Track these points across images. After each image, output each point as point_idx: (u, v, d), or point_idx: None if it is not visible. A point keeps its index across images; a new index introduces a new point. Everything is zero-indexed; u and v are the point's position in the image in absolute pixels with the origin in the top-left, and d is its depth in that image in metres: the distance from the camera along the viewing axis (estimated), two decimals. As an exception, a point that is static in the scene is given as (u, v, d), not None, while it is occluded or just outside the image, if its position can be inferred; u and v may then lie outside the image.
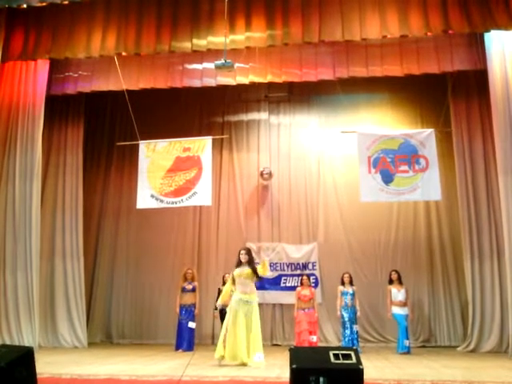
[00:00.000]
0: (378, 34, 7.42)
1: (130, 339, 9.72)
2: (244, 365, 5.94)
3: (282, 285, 9.63)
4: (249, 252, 6.48)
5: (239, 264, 6.38)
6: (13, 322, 7.81)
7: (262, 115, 10.54)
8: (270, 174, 9.93)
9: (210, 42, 7.70)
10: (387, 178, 8.00)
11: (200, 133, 9.89)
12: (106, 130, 10.67)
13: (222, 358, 6.05)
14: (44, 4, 7.76)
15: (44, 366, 5.61)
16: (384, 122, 9.86)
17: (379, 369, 5.86)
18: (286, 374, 4.52)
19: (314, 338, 7.82)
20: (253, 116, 10.60)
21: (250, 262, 6.36)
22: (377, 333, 9.22)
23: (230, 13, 7.47)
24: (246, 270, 6.29)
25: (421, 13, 7.33)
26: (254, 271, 6.26)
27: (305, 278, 8.32)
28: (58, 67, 8.76)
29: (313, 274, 9.45)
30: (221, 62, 6.94)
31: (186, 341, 8.20)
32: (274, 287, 9.61)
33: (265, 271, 6.32)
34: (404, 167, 8.02)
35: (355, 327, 8.02)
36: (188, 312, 8.38)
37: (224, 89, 9.42)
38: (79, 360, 6.66)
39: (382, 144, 8.16)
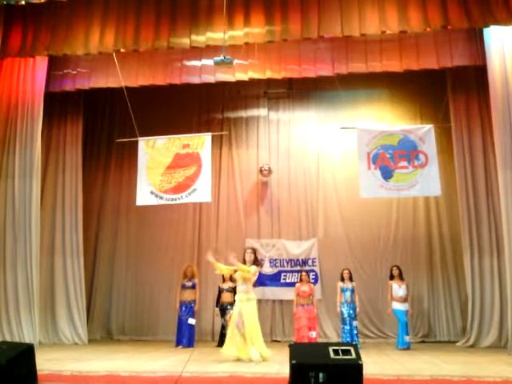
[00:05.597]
0: (378, 30, 7.39)
1: (130, 336, 9.74)
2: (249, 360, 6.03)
3: (282, 281, 9.64)
4: (254, 252, 6.53)
5: (243, 263, 6.39)
6: (13, 318, 7.82)
7: (262, 111, 10.52)
8: (270, 171, 9.93)
9: (208, 37, 7.67)
10: (387, 174, 8.00)
11: (199, 129, 9.87)
12: (105, 127, 10.65)
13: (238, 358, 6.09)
14: (42, 1, 7.75)
15: (44, 362, 5.63)
16: (383, 118, 9.86)
17: (379, 364, 5.88)
18: (285, 370, 4.53)
19: (314, 334, 7.84)
20: (252, 112, 10.58)
21: (252, 263, 6.38)
22: (376, 328, 9.24)
23: (229, 9, 7.45)
24: (238, 272, 6.34)
25: (420, 8, 7.31)
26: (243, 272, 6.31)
27: (304, 274, 8.33)
28: (56, 64, 8.73)
29: (312, 270, 9.46)
30: (220, 58, 6.93)
31: (185, 337, 8.21)
32: (274, 283, 9.63)
33: (249, 274, 6.31)
34: (403, 163, 8.01)
35: (355, 323, 8.03)
36: (188, 308, 8.38)
37: (223, 85, 9.39)
38: (79, 356, 6.67)
39: (381, 140, 8.15)
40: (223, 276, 8.54)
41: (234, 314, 6.42)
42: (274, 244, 9.81)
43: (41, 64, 8.44)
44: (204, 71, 8.45)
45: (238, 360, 6.02)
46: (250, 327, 6.14)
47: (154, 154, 8.59)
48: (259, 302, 6.50)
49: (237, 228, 10.01)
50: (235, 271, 6.45)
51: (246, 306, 6.24)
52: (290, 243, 9.81)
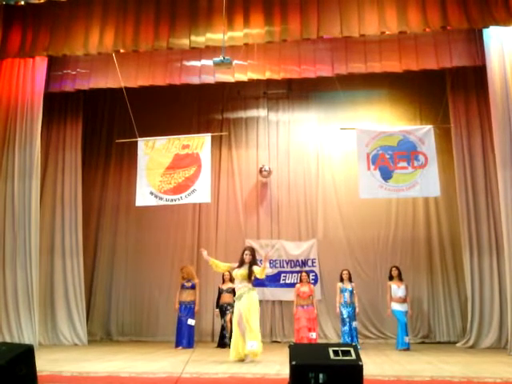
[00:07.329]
0: (377, 31, 7.40)
1: (130, 336, 9.74)
2: (242, 359, 6.01)
3: (282, 282, 9.64)
4: (253, 253, 6.47)
5: (241, 263, 6.35)
6: (13, 319, 7.80)
7: (261, 112, 10.53)
8: (269, 171, 9.93)
9: (208, 38, 7.68)
10: (386, 175, 8.00)
11: (199, 130, 9.88)
12: (104, 128, 10.65)
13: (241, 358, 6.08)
14: (42, 1, 7.75)
15: (44, 363, 5.63)
16: (383, 119, 9.87)
17: (378, 365, 5.88)
18: (285, 371, 4.53)
19: (314, 335, 7.84)
20: (252, 113, 10.59)
21: (251, 264, 6.31)
22: (376, 329, 9.24)
23: (228, 9, 7.46)
24: (242, 271, 6.27)
25: (419, 9, 7.32)
26: (250, 275, 6.24)
27: (304, 274, 8.33)
28: (55, 65, 8.73)
29: (312, 271, 9.46)
30: (219, 58, 6.92)
31: (185, 338, 8.20)
32: (274, 284, 9.62)
33: (262, 275, 6.29)
34: (403, 164, 8.01)
35: (354, 324, 8.03)
36: (187, 309, 8.37)
37: (222, 86, 9.40)
38: (79, 357, 6.67)
39: (380, 141, 8.15)
40: (223, 277, 8.54)
41: (234, 313, 6.37)
42: (274, 245, 9.81)
43: (40, 64, 8.44)
44: (203, 72, 8.45)
45: (241, 361, 6.01)
46: (247, 316, 6.04)
47: (154, 154, 8.58)
48: (259, 302, 6.45)
49: (236, 228, 10.01)
50: (233, 269, 6.43)
51: (245, 297, 6.13)
52: (289, 244, 9.81)
